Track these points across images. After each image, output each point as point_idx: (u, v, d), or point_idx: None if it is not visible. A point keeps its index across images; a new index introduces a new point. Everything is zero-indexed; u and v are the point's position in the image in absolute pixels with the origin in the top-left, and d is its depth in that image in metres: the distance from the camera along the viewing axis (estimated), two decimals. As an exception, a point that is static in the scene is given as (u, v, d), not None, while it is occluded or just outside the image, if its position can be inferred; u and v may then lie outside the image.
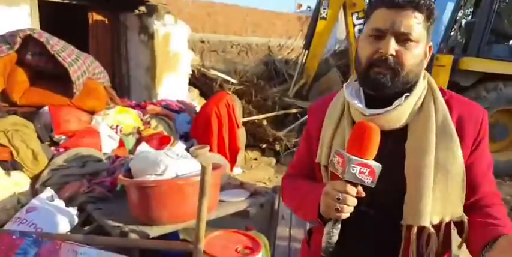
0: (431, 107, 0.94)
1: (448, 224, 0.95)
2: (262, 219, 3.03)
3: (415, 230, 0.90)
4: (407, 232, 0.92)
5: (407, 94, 0.93)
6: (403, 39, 0.87)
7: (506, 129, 5.05)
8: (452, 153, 0.91)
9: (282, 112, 5.82)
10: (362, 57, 0.92)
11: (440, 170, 0.90)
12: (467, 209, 0.94)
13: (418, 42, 0.89)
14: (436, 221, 0.91)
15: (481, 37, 4.74)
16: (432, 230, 0.91)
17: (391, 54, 0.87)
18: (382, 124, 0.89)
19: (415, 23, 0.86)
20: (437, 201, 0.90)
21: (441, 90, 1.00)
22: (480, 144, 0.96)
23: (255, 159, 5.11)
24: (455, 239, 0.99)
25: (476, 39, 4.78)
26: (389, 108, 0.91)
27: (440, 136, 0.91)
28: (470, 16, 6.31)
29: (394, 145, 0.92)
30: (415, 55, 0.89)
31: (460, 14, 5.57)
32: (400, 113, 0.92)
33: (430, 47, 0.96)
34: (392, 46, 0.87)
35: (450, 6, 5.42)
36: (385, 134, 0.88)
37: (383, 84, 0.89)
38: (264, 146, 5.38)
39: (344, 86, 1.01)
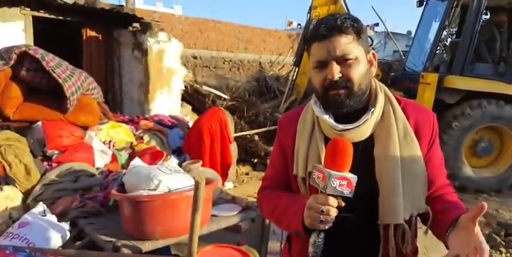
0: (392, 116, 1.04)
1: (415, 216, 1.06)
2: (253, 234, 3.04)
3: (391, 228, 1.00)
4: (384, 231, 1.01)
5: (372, 109, 1.03)
6: (343, 60, 0.97)
7: (491, 145, 5.16)
8: (414, 155, 1.02)
9: (273, 127, 5.88)
10: (316, 86, 1.03)
11: (406, 171, 1.00)
12: (427, 199, 1.05)
13: (357, 58, 0.98)
14: (407, 217, 1.01)
15: (464, 56, 4.91)
16: (406, 226, 1.01)
17: (339, 77, 0.97)
18: (352, 137, 0.99)
19: (346, 44, 0.96)
20: (406, 200, 1.00)
21: (396, 98, 1.10)
22: (434, 143, 1.08)
23: (247, 174, 5.14)
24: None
25: (461, 58, 4.95)
26: (358, 123, 1.00)
27: (402, 141, 1.02)
28: (454, 35, 6.52)
29: (363, 154, 1.00)
30: (359, 69, 0.99)
31: (445, 33, 5.76)
32: (368, 126, 1.02)
33: (373, 54, 1.06)
34: (336, 70, 0.97)
35: (435, 25, 5.61)
36: (355, 145, 0.95)
37: (342, 103, 0.99)
38: (256, 160, 5.42)
39: (311, 103, 1.10)
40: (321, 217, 0.89)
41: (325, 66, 0.98)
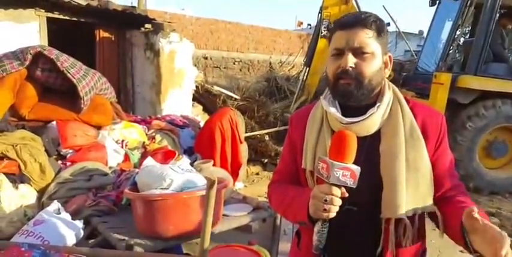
0: (399, 114, 1.06)
1: (422, 216, 1.07)
2: (264, 234, 3.05)
3: (392, 222, 1.02)
4: (385, 225, 1.03)
5: (379, 104, 1.05)
6: (359, 52, 1.00)
7: (506, 146, 5.07)
8: (420, 154, 1.04)
9: (283, 127, 5.87)
10: (329, 73, 1.06)
11: (411, 169, 1.02)
12: (438, 201, 1.06)
13: (373, 54, 1.01)
14: (410, 214, 1.03)
15: (478, 55, 4.83)
16: (408, 221, 1.02)
17: (351, 67, 1.00)
18: (358, 131, 1.01)
19: (366, 38, 1.00)
20: (409, 196, 1.02)
21: (405, 98, 1.11)
22: (442, 143, 1.09)
23: (257, 174, 5.14)
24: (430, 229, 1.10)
25: (475, 57, 4.87)
26: (364, 116, 1.03)
27: (408, 139, 1.04)
28: (468, 35, 6.44)
29: (369, 149, 1.03)
30: (373, 65, 1.01)
31: (458, 32, 5.68)
32: (373, 120, 1.04)
33: (390, 57, 1.09)
34: (350, 60, 1.00)
35: (448, 25, 5.55)
36: (361, 139, 0.99)
37: (350, 92, 1.02)
38: (266, 160, 5.42)
39: (321, 97, 1.12)
40: (325, 206, 0.91)
41: (342, 54, 1.02)
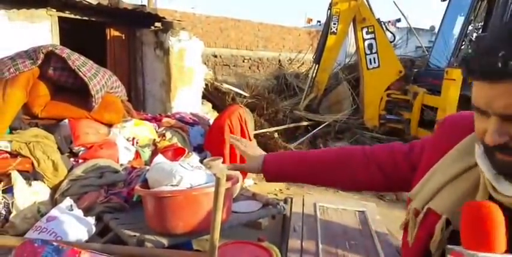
0: None
1: None
2: (273, 231, 3.05)
3: None
4: None
5: None
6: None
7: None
8: None
9: (292, 125, 5.88)
10: (476, 134, 0.71)
11: None
12: None
13: None
14: None
15: (491, 51, 4.75)
16: None
17: (504, 141, 0.64)
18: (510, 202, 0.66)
19: None
20: None
21: None
22: None
23: (266, 171, 5.14)
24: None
25: (487, 53, 4.79)
26: None
27: None
28: (480, 30, 6.34)
29: None
30: None
31: (470, 27, 5.60)
32: None
33: None
34: (498, 134, 0.63)
35: (460, 20, 5.47)
36: (507, 211, 0.62)
37: (510, 169, 0.66)
38: (275, 158, 5.41)
39: (476, 145, 0.73)
40: None
41: (485, 115, 0.66)
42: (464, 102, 4.67)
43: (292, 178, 1.18)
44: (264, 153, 1.20)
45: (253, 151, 1.21)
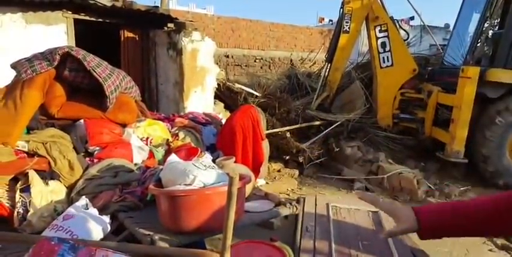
0: None
1: None
2: (286, 231, 3.04)
3: None
4: None
5: None
6: None
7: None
8: None
9: (305, 124, 5.84)
10: None
11: None
12: None
13: None
14: None
15: (508, 48, 4.65)
16: None
17: None
18: None
19: None
20: None
21: None
22: None
23: (278, 171, 5.14)
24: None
25: (504, 50, 4.69)
26: None
27: None
28: (497, 27, 6.21)
29: None
30: None
31: (486, 25, 5.48)
32: None
33: None
34: None
35: (476, 17, 5.36)
36: None
37: None
38: (287, 158, 5.40)
39: None
40: None
41: None
42: (480, 100, 4.59)
43: (454, 233, 1.05)
44: (409, 210, 1.00)
45: (401, 210, 1.00)
